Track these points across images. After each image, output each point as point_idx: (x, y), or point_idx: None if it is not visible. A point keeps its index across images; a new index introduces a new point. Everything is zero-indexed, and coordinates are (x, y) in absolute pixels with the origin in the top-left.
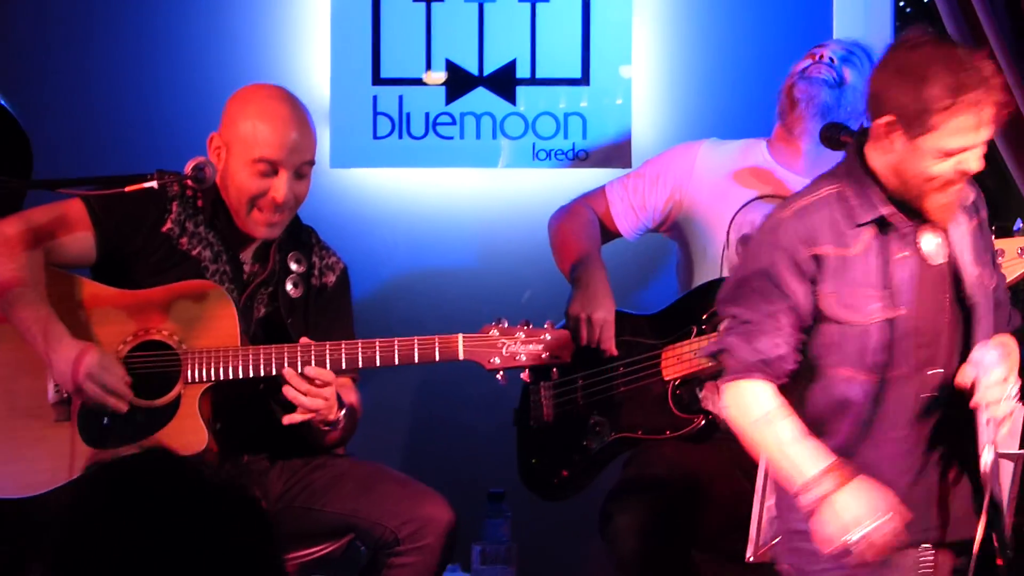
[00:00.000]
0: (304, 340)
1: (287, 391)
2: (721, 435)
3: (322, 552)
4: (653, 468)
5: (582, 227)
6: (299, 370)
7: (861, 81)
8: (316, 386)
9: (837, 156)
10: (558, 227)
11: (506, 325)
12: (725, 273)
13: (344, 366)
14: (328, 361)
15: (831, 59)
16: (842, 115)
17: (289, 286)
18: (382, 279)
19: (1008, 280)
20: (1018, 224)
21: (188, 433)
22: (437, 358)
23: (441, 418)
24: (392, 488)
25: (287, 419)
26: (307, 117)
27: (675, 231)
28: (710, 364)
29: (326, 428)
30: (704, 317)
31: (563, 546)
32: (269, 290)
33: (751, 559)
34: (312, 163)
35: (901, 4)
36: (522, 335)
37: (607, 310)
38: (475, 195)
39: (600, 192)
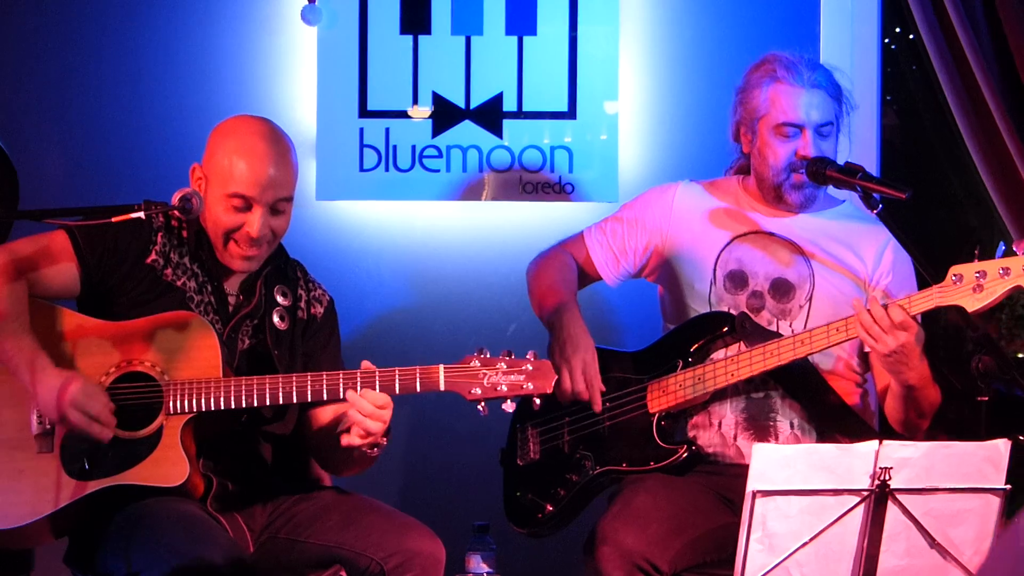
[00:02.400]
0: (366, 364)
1: (351, 414)
2: (706, 467)
3: None
4: (638, 500)
5: (559, 274)
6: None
7: (837, 112)
8: (379, 409)
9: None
10: (536, 274)
11: (487, 355)
12: (714, 307)
13: (325, 396)
14: (310, 391)
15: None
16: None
17: (276, 319)
18: (367, 311)
19: (992, 300)
20: (1001, 248)
21: (170, 464)
22: (418, 389)
23: (427, 452)
24: (378, 520)
25: (345, 440)
26: (288, 152)
27: (659, 273)
28: (695, 396)
29: (374, 451)
30: (692, 350)
31: None
32: (254, 322)
33: None
34: (290, 199)
35: (887, 41)
36: (503, 366)
37: (585, 350)
38: (461, 228)
39: (579, 238)
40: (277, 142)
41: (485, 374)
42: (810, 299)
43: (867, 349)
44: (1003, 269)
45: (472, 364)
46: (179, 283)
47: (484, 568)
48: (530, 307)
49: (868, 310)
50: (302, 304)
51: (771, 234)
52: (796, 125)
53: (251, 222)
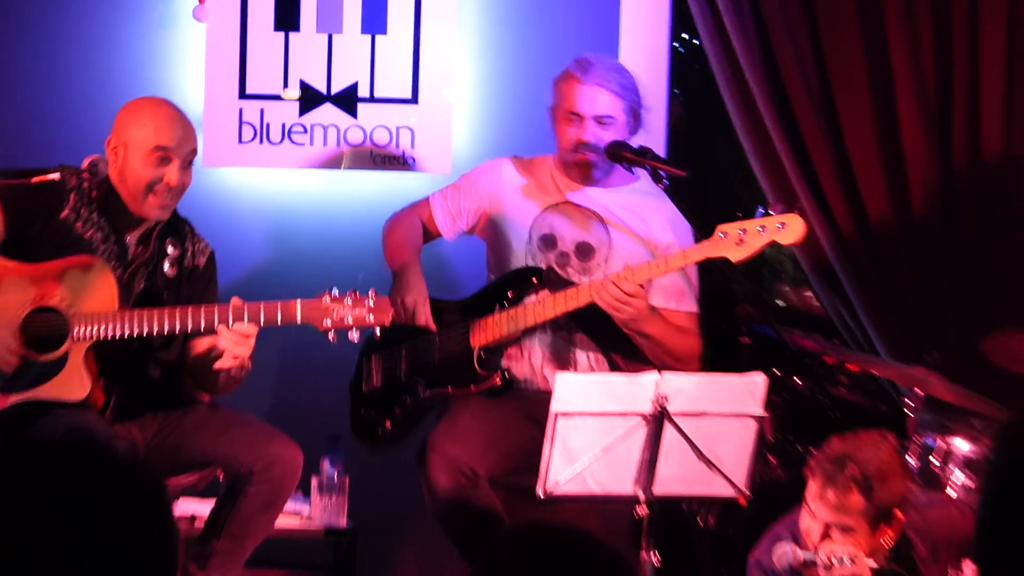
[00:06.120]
0: (235, 300)
1: (221, 342)
2: (518, 392)
3: (189, 481)
4: (462, 418)
5: (406, 232)
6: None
7: (623, 108)
8: (245, 337)
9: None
10: (388, 232)
11: (336, 293)
12: (529, 263)
13: (203, 327)
14: (190, 322)
15: (593, 142)
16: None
17: (166, 266)
18: (244, 261)
19: (752, 251)
20: (760, 211)
21: (74, 382)
22: (279, 321)
23: (291, 377)
24: (248, 430)
25: (217, 364)
26: (187, 117)
27: (486, 232)
28: (509, 333)
29: (241, 372)
30: (508, 296)
31: (387, 480)
32: (148, 269)
33: (541, 495)
34: (195, 152)
35: (676, 45)
36: (350, 302)
37: (416, 293)
38: (322, 192)
39: (425, 201)
40: (179, 109)
41: (334, 308)
42: (607, 260)
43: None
44: (761, 227)
45: (324, 301)
46: (87, 235)
47: (334, 470)
48: (377, 258)
49: (605, 289)
50: (188, 255)
51: (577, 205)
52: (576, 114)
53: (170, 173)
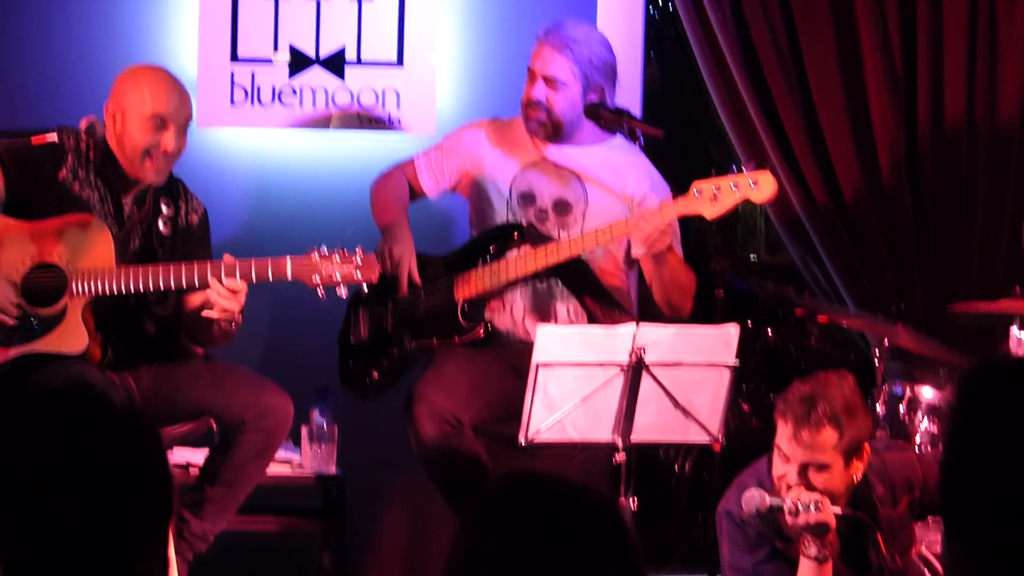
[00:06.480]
0: (227, 257)
1: (212, 296)
2: (500, 343)
3: (184, 430)
4: (446, 368)
5: (393, 191)
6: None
7: (575, 73)
8: (234, 293)
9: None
10: (376, 190)
11: (325, 250)
12: (509, 219)
13: (196, 283)
14: (184, 278)
15: (540, 100)
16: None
17: (161, 225)
18: (236, 218)
19: (725, 208)
20: (733, 169)
21: (72, 336)
22: (270, 278)
23: (281, 329)
24: (241, 381)
25: (206, 314)
26: (183, 85)
27: (469, 190)
28: (492, 286)
29: (231, 326)
30: (492, 250)
31: (374, 429)
32: (144, 228)
33: (522, 442)
34: (191, 119)
35: (651, 12)
36: (337, 258)
37: (402, 246)
38: (311, 152)
39: (410, 161)
40: (175, 77)
41: (323, 265)
42: (584, 215)
43: (635, 252)
44: (734, 183)
45: (313, 257)
46: (84, 195)
47: (323, 419)
48: (364, 214)
49: (646, 221)
50: (182, 214)
51: (554, 163)
52: (531, 71)
53: (167, 139)
